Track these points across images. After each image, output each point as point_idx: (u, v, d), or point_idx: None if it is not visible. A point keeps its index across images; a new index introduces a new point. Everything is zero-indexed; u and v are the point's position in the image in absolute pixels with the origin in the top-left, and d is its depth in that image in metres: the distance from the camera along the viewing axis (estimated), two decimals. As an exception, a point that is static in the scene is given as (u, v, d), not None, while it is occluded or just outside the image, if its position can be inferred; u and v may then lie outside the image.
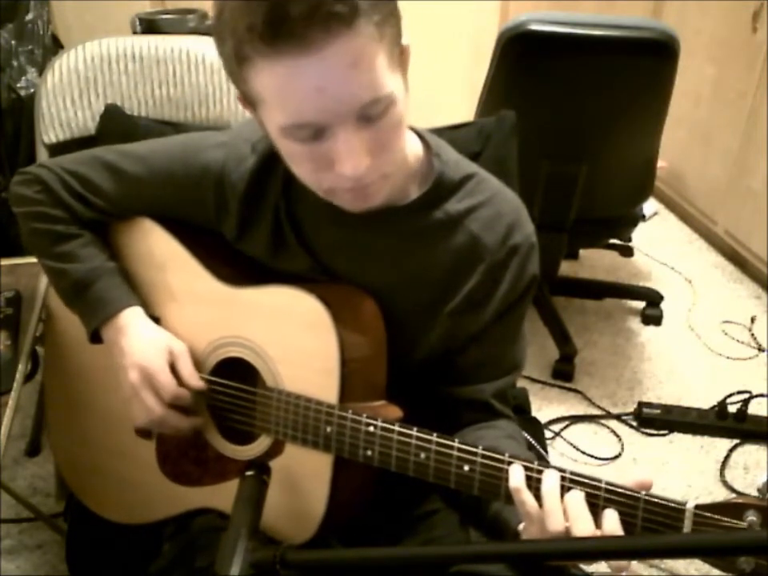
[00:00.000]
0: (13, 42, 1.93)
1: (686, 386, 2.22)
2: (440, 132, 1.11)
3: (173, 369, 0.96)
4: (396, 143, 0.83)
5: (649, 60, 1.84)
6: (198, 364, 0.99)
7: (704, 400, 2.13)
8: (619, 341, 2.40)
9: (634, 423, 2.08)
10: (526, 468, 0.80)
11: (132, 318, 0.99)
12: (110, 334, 1.00)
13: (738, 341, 2.40)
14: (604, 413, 2.11)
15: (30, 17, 1.97)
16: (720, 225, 2.75)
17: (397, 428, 0.86)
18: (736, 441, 2.02)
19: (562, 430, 2.05)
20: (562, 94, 1.90)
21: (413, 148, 0.95)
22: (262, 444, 0.96)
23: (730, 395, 2.12)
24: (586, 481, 0.78)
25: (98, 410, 1.09)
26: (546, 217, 1.82)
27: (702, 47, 2.72)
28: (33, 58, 1.97)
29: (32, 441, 1.88)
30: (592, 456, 1.97)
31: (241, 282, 0.98)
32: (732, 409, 2.06)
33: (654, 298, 2.49)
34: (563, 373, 2.23)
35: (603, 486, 0.77)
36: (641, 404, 2.09)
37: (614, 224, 2.26)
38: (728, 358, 2.33)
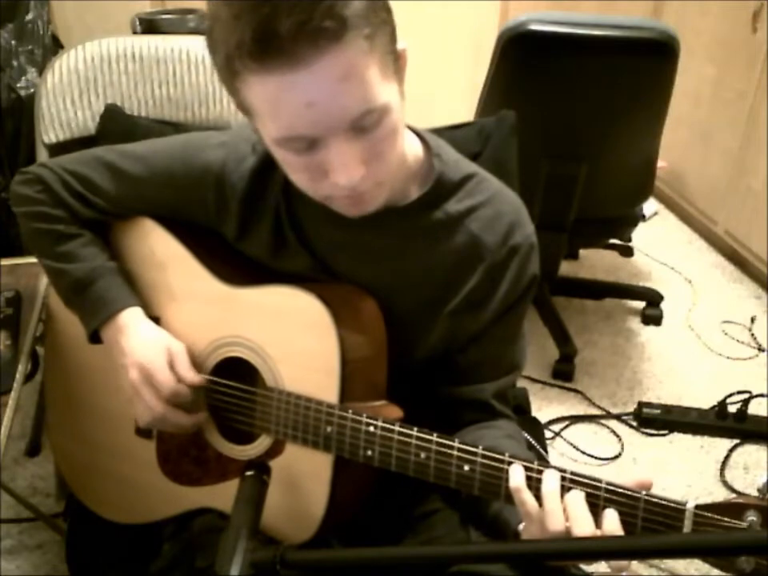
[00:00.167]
0: (13, 42, 1.93)
1: (685, 386, 2.22)
2: (440, 132, 1.11)
3: (172, 368, 0.96)
4: (391, 152, 0.82)
5: (649, 60, 1.84)
6: (198, 364, 0.99)
7: (704, 400, 2.14)
8: (619, 341, 2.40)
9: (634, 423, 2.08)
10: (526, 468, 0.80)
11: (131, 319, 0.99)
12: (109, 334, 1.00)
13: (737, 341, 2.40)
14: (604, 413, 2.11)
15: (30, 17, 1.97)
16: (720, 225, 2.75)
17: (397, 428, 0.86)
18: (736, 441, 2.03)
19: (562, 430, 2.05)
20: (561, 94, 1.90)
21: (412, 149, 0.95)
22: (262, 444, 0.96)
23: (730, 395, 2.12)
24: (586, 481, 0.78)
25: (98, 410, 1.09)
26: (546, 217, 1.81)
27: (702, 47, 2.72)
28: (33, 58, 1.97)
29: (32, 441, 1.88)
30: (592, 456, 1.97)
31: (241, 282, 0.98)
32: (732, 409, 2.06)
33: (654, 298, 2.49)
34: (563, 373, 2.23)
35: (603, 486, 0.77)
36: (641, 404, 2.09)
37: (614, 224, 2.26)
38: (728, 358, 2.33)
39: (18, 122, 1.91)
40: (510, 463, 0.81)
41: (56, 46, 2.13)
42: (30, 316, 1.24)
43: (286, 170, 0.85)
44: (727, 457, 1.98)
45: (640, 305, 2.52)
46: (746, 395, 2.12)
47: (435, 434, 0.85)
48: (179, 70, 1.37)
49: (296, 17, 0.70)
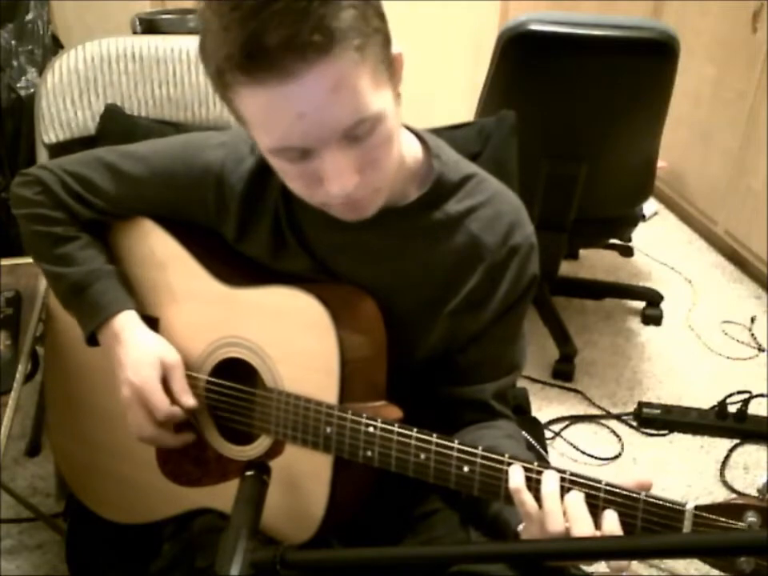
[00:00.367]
0: (13, 42, 1.93)
1: (685, 386, 2.22)
2: (440, 132, 1.11)
3: (166, 382, 0.96)
4: (386, 158, 0.82)
5: (649, 60, 1.84)
6: (197, 365, 0.99)
7: (704, 400, 2.14)
8: (619, 341, 2.40)
9: (634, 423, 2.08)
10: (526, 469, 0.80)
11: (127, 323, 0.98)
12: (105, 338, 0.99)
13: (737, 341, 2.40)
14: (604, 413, 2.11)
15: (30, 17, 1.97)
16: (720, 225, 2.75)
17: (396, 428, 0.86)
18: (736, 441, 2.03)
19: (562, 430, 2.05)
20: (561, 94, 1.90)
21: (411, 150, 0.95)
22: (261, 444, 0.96)
23: (730, 395, 2.12)
24: (586, 482, 0.78)
25: (97, 410, 1.09)
26: (546, 217, 1.82)
27: (702, 47, 2.72)
28: (33, 58, 1.97)
29: (32, 441, 1.88)
30: (592, 456, 1.97)
31: (241, 283, 0.98)
32: (732, 409, 2.06)
33: (654, 298, 2.49)
34: (563, 373, 2.23)
35: (603, 486, 0.77)
36: (641, 404, 2.09)
37: (614, 224, 2.26)
38: (728, 358, 2.33)
39: (18, 122, 1.91)
40: (509, 464, 0.81)
41: (56, 46, 2.13)
42: (30, 316, 1.24)
43: (282, 177, 0.85)
44: (727, 457, 1.98)
45: (640, 305, 2.52)
46: (746, 395, 2.12)
47: (435, 435, 0.85)
48: (179, 69, 1.37)
49: (284, 30, 0.70)
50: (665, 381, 2.24)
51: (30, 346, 1.19)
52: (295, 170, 0.81)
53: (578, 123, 1.96)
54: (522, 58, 1.84)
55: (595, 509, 0.77)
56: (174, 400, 0.95)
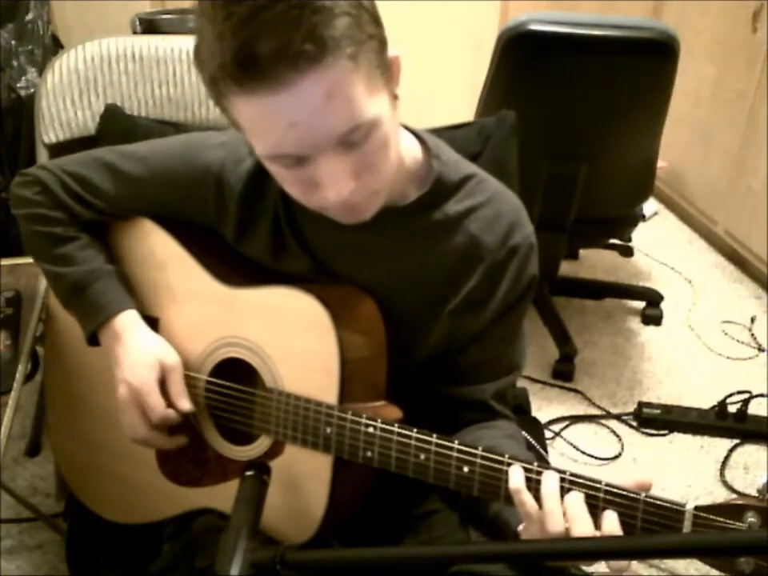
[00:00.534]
0: (13, 42, 1.93)
1: (685, 386, 2.22)
2: (439, 132, 1.11)
3: (163, 385, 0.96)
4: (383, 162, 0.82)
5: (649, 60, 1.84)
6: (196, 365, 0.99)
7: (704, 400, 2.14)
8: (619, 341, 2.40)
9: (634, 423, 2.08)
10: (526, 469, 0.80)
11: (127, 323, 0.98)
12: (106, 338, 0.99)
13: (737, 341, 2.40)
14: (604, 413, 2.11)
15: (30, 17, 1.97)
16: (720, 225, 2.75)
17: (396, 429, 0.86)
18: (736, 441, 2.03)
19: (562, 429, 2.05)
20: (561, 94, 1.90)
21: (411, 150, 0.95)
22: (261, 445, 0.96)
23: (730, 395, 2.12)
24: (586, 482, 0.78)
25: (97, 410, 1.09)
26: (546, 217, 1.82)
27: (702, 47, 2.72)
28: (33, 58, 1.97)
29: (32, 441, 1.88)
30: (592, 456, 1.97)
31: (240, 283, 0.98)
32: (732, 409, 2.06)
33: (654, 298, 2.49)
34: (563, 373, 2.23)
35: (602, 487, 0.77)
36: (641, 404, 2.09)
37: (614, 224, 2.26)
38: (728, 358, 2.33)
39: (18, 122, 1.91)
40: (509, 464, 0.81)
41: (56, 46, 2.13)
42: (30, 316, 1.24)
43: (279, 182, 0.85)
44: (727, 457, 1.98)
45: (640, 305, 2.52)
46: (746, 395, 2.12)
47: (435, 435, 0.85)
48: (179, 70, 1.37)
49: (276, 40, 0.69)
50: (665, 381, 2.24)
51: (29, 345, 1.19)
52: (291, 175, 0.81)
53: (578, 123, 1.96)
54: (522, 58, 1.84)
55: (595, 509, 0.77)
56: (170, 403, 0.95)
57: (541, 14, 1.82)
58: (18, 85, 1.92)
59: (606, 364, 2.29)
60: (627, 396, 2.18)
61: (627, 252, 2.69)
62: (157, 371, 0.95)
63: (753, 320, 2.48)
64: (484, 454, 0.82)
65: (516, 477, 0.80)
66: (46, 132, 1.35)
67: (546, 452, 1.35)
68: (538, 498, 0.78)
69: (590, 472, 0.79)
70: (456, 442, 0.84)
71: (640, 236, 2.68)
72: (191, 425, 1.00)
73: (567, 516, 0.76)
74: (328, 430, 0.89)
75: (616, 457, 1.98)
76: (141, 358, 0.96)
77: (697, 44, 2.71)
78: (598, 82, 1.87)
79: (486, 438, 0.97)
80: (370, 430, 0.87)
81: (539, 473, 0.80)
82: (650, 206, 2.97)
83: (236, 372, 0.97)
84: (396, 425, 0.86)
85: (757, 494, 0.74)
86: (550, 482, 0.78)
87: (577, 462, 1.94)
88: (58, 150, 1.34)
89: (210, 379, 0.99)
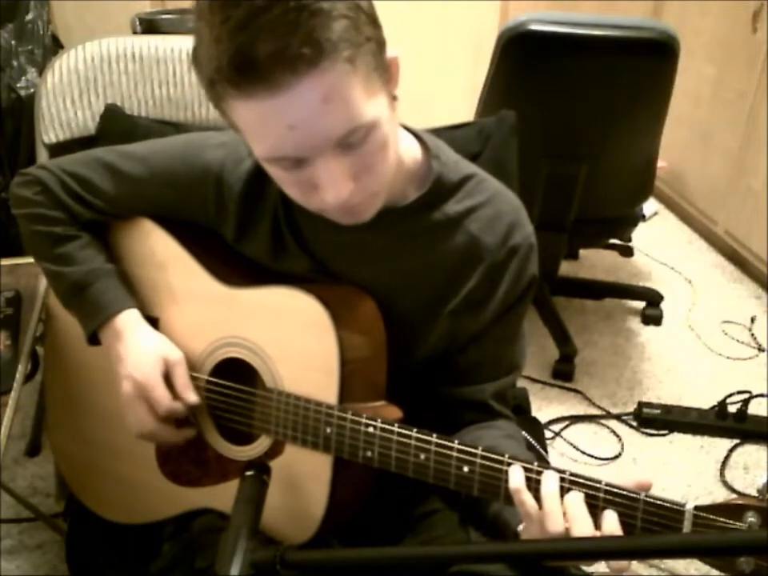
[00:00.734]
0: (13, 42, 1.93)
1: (685, 386, 2.22)
2: (439, 132, 1.11)
3: (168, 379, 0.96)
4: (381, 164, 0.82)
5: (649, 60, 1.84)
6: (197, 365, 0.99)
7: (704, 400, 2.14)
8: (619, 341, 2.40)
9: (634, 423, 2.08)
10: (526, 469, 0.80)
11: (129, 322, 0.98)
12: (107, 337, 1.00)
13: (738, 341, 2.40)
14: (604, 413, 2.11)
15: (30, 17, 1.97)
16: (720, 225, 2.75)
17: (396, 429, 0.86)
18: (736, 441, 2.03)
19: (562, 430, 2.05)
20: (561, 94, 1.90)
21: (410, 151, 0.95)
22: (261, 445, 0.96)
23: (730, 395, 2.12)
24: (586, 482, 0.78)
25: (97, 410, 1.09)
26: (546, 217, 1.82)
27: (702, 47, 2.72)
28: (33, 58, 1.97)
29: (32, 441, 1.88)
30: (592, 456, 1.97)
31: (240, 283, 0.98)
32: (732, 409, 2.06)
33: (654, 298, 2.49)
34: (563, 373, 2.23)
35: (602, 486, 0.77)
36: (641, 404, 2.09)
37: (614, 224, 2.26)
38: (728, 358, 2.33)
39: (18, 122, 1.91)
40: (509, 464, 0.81)
41: (56, 46, 2.13)
42: (30, 316, 1.24)
43: (279, 184, 0.85)
44: (727, 457, 1.98)
45: (640, 305, 2.52)
46: (746, 395, 2.12)
47: (434, 435, 0.85)
48: (179, 70, 1.37)
49: (273, 43, 0.69)
50: (665, 381, 2.24)
51: (29, 346, 1.19)
52: (290, 177, 0.81)
53: (578, 123, 1.96)
54: (522, 58, 1.84)
55: (595, 509, 0.77)
56: (175, 396, 0.95)
57: (541, 13, 1.82)
58: (18, 85, 1.92)
59: (606, 364, 2.29)
60: (627, 396, 2.18)
61: (627, 252, 2.69)
62: (161, 366, 0.95)
63: (753, 320, 2.48)
64: (484, 453, 0.82)
65: (516, 477, 0.80)
66: (46, 132, 1.35)
67: (546, 452, 1.35)
68: (537, 497, 0.78)
69: (590, 472, 0.79)
70: (456, 441, 0.84)
71: (640, 236, 2.68)
72: (191, 424, 1.00)
73: (567, 516, 0.76)
74: (328, 429, 0.89)
75: (616, 457, 1.98)
76: (144, 354, 0.96)
77: (697, 44, 2.71)
78: (598, 82, 1.87)
79: (486, 437, 0.97)
80: (370, 429, 0.87)
81: (539, 473, 0.80)
82: (650, 205, 2.97)
83: (236, 372, 0.97)
84: (396, 425, 0.86)
85: (757, 494, 0.74)
86: (549, 482, 0.78)
87: (577, 462, 1.94)
88: (58, 149, 1.34)
89: (210, 379, 0.99)
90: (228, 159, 0.97)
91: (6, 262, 1.37)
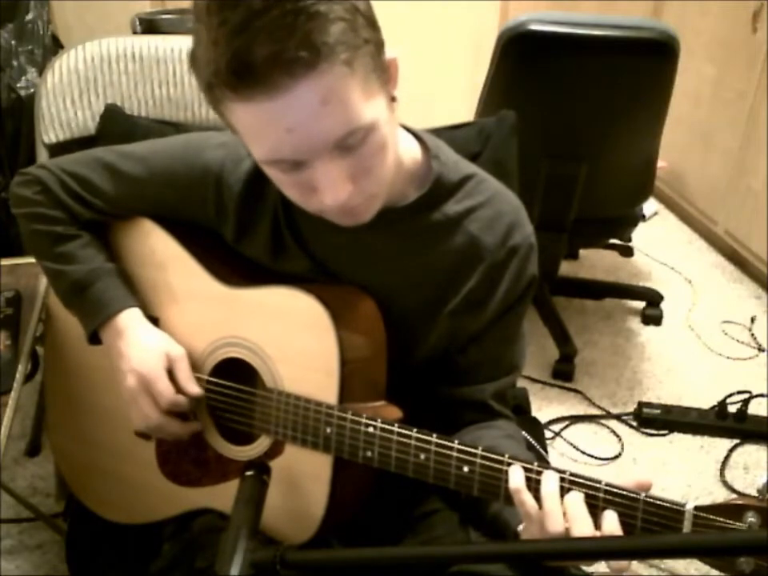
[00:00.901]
0: (13, 42, 1.93)
1: (685, 386, 2.22)
2: (439, 132, 1.11)
3: (171, 374, 0.96)
4: (381, 166, 0.82)
5: (649, 60, 1.84)
6: (197, 365, 0.99)
7: (704, 400, 2.14)
8: (619, 341, 2.40)
9: (634, 423, 2.08)
10: (526, 469, 0.80)
11: (130, 321, 0.98)
12: (108, 335, 1.00)
13: (738, 341, 2.40)
14: (604, 413, 2.11)
15: (30, 17, 1.97)
16: (720, 225, 2.75)
17: (396, 429, 0.86)
18: (736, 441, 2.03)
19: (562, 430, 2.05)
20: (561, 94, 1.90)
21: (410, 151, 0.95)
22: (261, 444, 0.96)
23: (730, 395, 2.12)
24: (586, 482, 0.78)
25: (97, 410, 1.09)
26: (546, 217, 1.81)
27: (702, 47, 2.72)
28: (33, 58, 1.97)
29: (32, 441, 1.88)
30: (592, 456, 1.97)
31: (240, 283, 0.98)
32: (732, 409, 2.06)
33: (654, 298, 2.49)
34: (563, 373, 2.23)
35: (602, 487, 0.77)
36: (641, 404, 2.09)
37: (614, 224, 2.26)
38: (728, 358, 2.33)
39: (18, 122, 1.91)
40: (509, 464, 0.81)
41: (56, 46, 2.13)
42: (30, 316, 1.24)
43: (278, 185, 0.85)
44: (727, 457, 1.98)
45: (640, 305, 2.52)
46: (746, 395, 2.12)
47: (434, 435, 0.85)
48: (179, 70, 1.37)
49: (270, 47, 0.69)
50: (665, 381, 2.24)
51: (29, 346, 1.19)
52: (289, 179, 0.81)
53: (578, 123, 1.96)
54: (522, 58, 1.84)
55: (595, 509, 0.77)
56: (178, 389, 0.95)
57: (541, 13, 1.82)
58: (18, 85, 1.92)
59: (606, 364, 2.29)
60: (627, 396, 2.18)
61: (627, 252, 2.69)
62: (164, 361, 0.96)
63: (753, 320, 2.48)
64: (484, 453, 0.82)
65: (516, 477, 0.80)
66: (46, 132, 1.35)
67: (546, 452, 1.35)
68: (537, 497, 0.78)
69: (590, 472, 0.79)
70: (456, 441, 0.84)
71: (640, 236, 2.68)
72: (195, 419, 1.00)
73: (567, 516, 0.76)
74: (328, 429, 0.89)
75: (616, 457, 1.98)
76: (147, 350, 0.96)
77: (697, 44, 2.71)
78: (598, 82, 1.87)
79: (486, 437, 0.97)
80: (370, 429, 0.87)
81: (539, 473, 0.80)
82: (650, 205, 2.97)
83: (236, 372, 0.97)
84: (396, 425, 0.86)
85: (757, 494, 0.74)
86: (549, 482, 0.78)
87: (577, 462, 1.94)
88: (58, 149, 1.34)
89: (210, 379, 0.99)
90: (228, 159, 0.97)
91: (5, 262, 1.37)
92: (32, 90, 1.89)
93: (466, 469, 0.83)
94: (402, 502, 1.03)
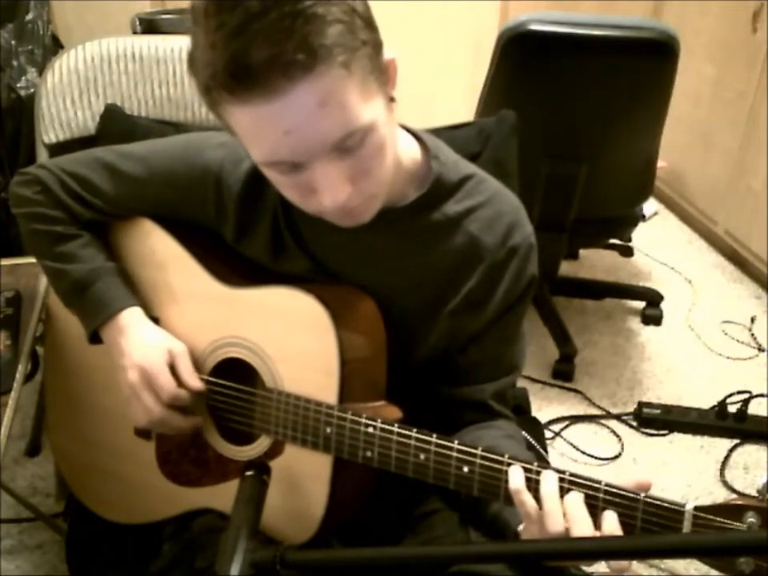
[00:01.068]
0: (13, 42, 1.93)
1: (685, 386, 2.22)
2: (439, 132, 1.11)
3: (172, 369, 0.96)
4: (380, 167, 0.82)
5: (649, 60, 1.84)
6: (197, 365, 0.99)
7: (704, 400, 2.14)
8: (619, 341, 2.40)
9: (634, 423, 2.08)
10: (526, 469, 0.80)
11: (132, 319, 0.99)
12: (109, 334, 1.00)
13: (738, 341, 2.40)
14: (604, 413, 2.11)
15: (30, 17, 1.97)
16: (720, 225, 2.75)
17: (396, 429, 0.86)
18: (736, 441, 2.03)
19: (562, 429, 2.05)
20: (561, 94, 1.90)
21: (410, 151, 0.95)
22: (261, 445, 0.96)
23: (730, 395, 2.12)
24: (585, 482, 0.78)
25: (97, 410, 1.09)
26: (546, 217, 1.82)
27: (702, 47, 2.72)
28: (33, 58, 1.97)
29: (32, 441, 1.88)
30: (592, 456, 1.97)
31: (240, 283, 0.98)
32: (732, 409, 2.06)
33: (654, 298, 2.49)
34: (563, 373, 2.23)
35: (602, 487, 0.77)
36: (641, 404, 2.09)
37: (614, 224, 2.26)
38: (728, 358, 2.33)
39: (18, 122, 1.91)
40: (509, 464, 0.81)
41: (56, 46, 2.13)
42: (30, 316, 1.24)
43: (277, 187, 0.85)
44: (727, 457, 1.98)
45: (640, 305, 2.52)
46: (746, 395, 2.12)
47: (434, 435, 0.85)
48: (179, 70, 1.37)
49: (267, 49, 0.69)
50: (665, 381, 2.24)
51: (29, 346, 1.19)
52: (288, 181, 0.81)
53: (578, 123, 1.96)
54: (522, 58, 1.84)
55: (595, 509, 0.77)
56: (180, 384, 0.96)
57: (541, 13, 1.82)
58: (18, 85, 1.92)
59: (606, 364, 2.29)
60: (627, 396, 2.18)
61: (627, 252, 2.69)
62: (166, 356, 0.96)
63: (753, 320, 2.48)
64: (484, 454, 0.82)
65: (516, 477, 0.80)
66: (46, 132, 1.35)
67: (546, 452, 1.35)
68: (537, 498, 0.78)
69: (590, 472, 0.79)
70: (456, 442, 0.84)
71: (640, 236, 2.68)
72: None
73: (567, 516, 0.77)
74: (328, 430, 0.89)
75: (616, 457, 1.98)
76: (149, 346, 0.97)
77: (697, 44, 2.71)
78: (598, 82, 1.87)
79: (486, 437, 0.97)
80: (370, 430, 0.87)
81: (539, 473, 0.80)
82: (650, 205, 2.97)
83: (236, 372, 0.97)
84: (396, 425, 0.86)
85: (756, 495, 0.74)
86: (548, 482, 0.78)
87: (577, 462, 1.94)
88: (58, 149, 1.34)
89: (210, 379, 0.99)
90: (227, 160, 0.97)
91: (6, 262, 1.37)
92: (32, 90, 1.89)
93: (465, 469, 0.83)
94: (402, 502, 1.03)
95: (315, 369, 0.91)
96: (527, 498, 0.79)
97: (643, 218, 2.50)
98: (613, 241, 2.57)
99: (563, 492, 0.78)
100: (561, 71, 1.87)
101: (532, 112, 1.60)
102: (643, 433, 2.06)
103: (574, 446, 1.99)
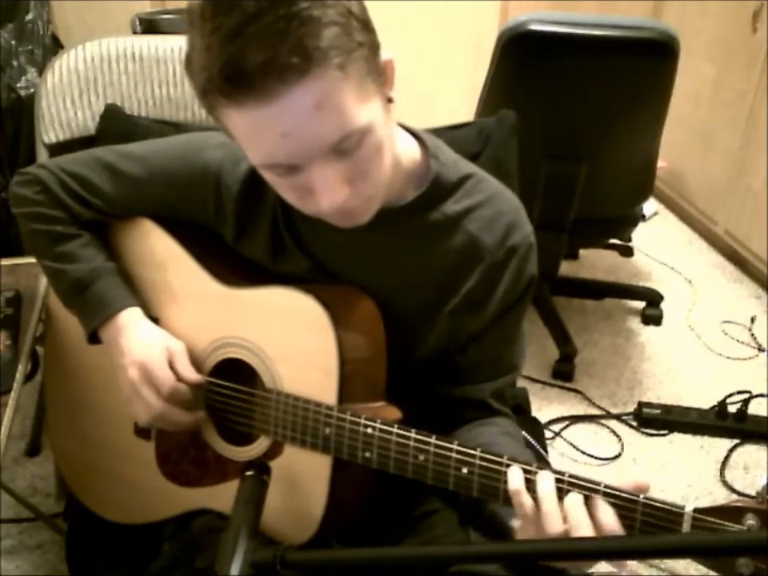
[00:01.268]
0: (13, 42, 1.93)
1: (685, 386, 2.22)
2: (439, 132, 1.11)
3: (171, 366, 0.96)
4: (376, 168, 0.81)
5: (649, 60, 1.84)
6: (197, 365, 0.99)
7: (704, 400, 2.14)
8: (619, 341, 2.40)
9: (634, 423, 2.08)
10: (525, 470, 0.80)
11: (131, 319, 0.99)
12: (108, 334, 1.00)
13: (738, 341, 2.40)
14: (604, 413, 2.11)
15: (30, 17, 1.97)
16: (720, 225, 2.75)
17: (395, 430, 0.86)
18: (736, 441, 2.03)
19: (562, 429, 2.05)
20: (561, 94, 1.90)
21: (409, 151, 0.95)
22: (261, 445, 0.96)
23: (730, 395, 2.12)
24: (585, 483, 0.78)
25: (97, 410, 1.09)
26: (546, 217, 1.82)
27: (702, 47, 2.72)
28: (33, 58, 1.97)
29: (32, 441, 1.88)
30: (592, 456, 1.97)
31: (240, 283, 0.98)
32: (732, 409, 2.06)
33: (654, 298, 2.49)
34: (563, 373, 2.23)
35: (602, 488, 0.77)
36: (641, 404, 2.09)
37: (614, 224, 2.26)
38: (728, 358, 2.33)
39: (18, 122, 1.91)
40: (508, 465, 0.81)
41: (56, 46, 2.13)
42: (30, 316, 1.24)
43: (275, 188, 0.85)
44: (727, 457, 1.98)
45: (640, 305, 2.52)
46: (746, 395, 2.12)
47: (434, 436, 0.84)
48: (179, 70, 1.37)
49: (262, 53, 0.69)
50: (665, 381, 2.24)
51: (29, 346, 1.19)
52: (286, 183, 0.81)
53: (578, 123, 1.96)
54: (522, 58, 1.84)
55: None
56: (179, 378, 0.95)
57: (541, 13, 1.82)
58: (18, 85, 1.92)
59: (606, 364, 2.29)
60: (627, 396, 2.18)
61: (627, 252, 2.69)
62: (164, 353, 0.96)
63: (753, 320, 2.48)
64: (483, 455, 0.82)
65: (515, 478, 0.80)
66: (46, 132, 1.35)
67: (546, 452, 1.35)
68: (537, 499, 0.78)
69: (590, 472, 0.79)
70: (455, 443, 0.84)
71: (640, 236, 2.68)
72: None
73: (567, 518, 0.76)
74: (327, 430, 0.89)
75: (616, 457, 1.98)
76: (148, 344, 0.97)
77: (697, 44, 2.71)
78: (598, 82, 1.87)
79: (484, 435, 0.97)
80: (369, 430, 0.87)
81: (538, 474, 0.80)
82: (650, 205, 2.97)
83: (235, 372, 0.97)
84: (395, 426, 0.86)
85: (756, 496, 0.74)
86: (545, 483, 0.78)
87: (577, 462, 1.94)
88: (58, 149, 1.34)
89: (209, 379, 0.99)
90: (226, 160, 0.97)
91: (6, 262, 1.37)
92: (32, 90, 1.89)
93: (464, 470, 0.83)
94: (402, 502, 1.03)
95: (315, 369, 0.91)
96: (526, 500, 0.78)
97: (643, 217, 2.50)
98: (613, 241, 2.57)
99: (563, 493, 0.78)
100: (561, 71, 1.87)
101: (532, 112, 1.60)
102: (643, 433, 2.06)
103: (574, 446, 1.99)
